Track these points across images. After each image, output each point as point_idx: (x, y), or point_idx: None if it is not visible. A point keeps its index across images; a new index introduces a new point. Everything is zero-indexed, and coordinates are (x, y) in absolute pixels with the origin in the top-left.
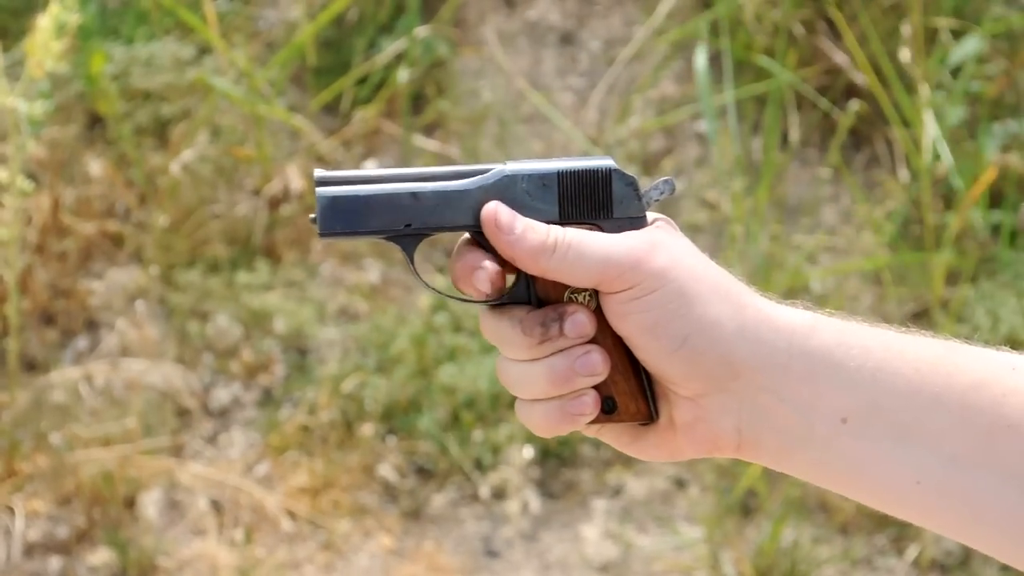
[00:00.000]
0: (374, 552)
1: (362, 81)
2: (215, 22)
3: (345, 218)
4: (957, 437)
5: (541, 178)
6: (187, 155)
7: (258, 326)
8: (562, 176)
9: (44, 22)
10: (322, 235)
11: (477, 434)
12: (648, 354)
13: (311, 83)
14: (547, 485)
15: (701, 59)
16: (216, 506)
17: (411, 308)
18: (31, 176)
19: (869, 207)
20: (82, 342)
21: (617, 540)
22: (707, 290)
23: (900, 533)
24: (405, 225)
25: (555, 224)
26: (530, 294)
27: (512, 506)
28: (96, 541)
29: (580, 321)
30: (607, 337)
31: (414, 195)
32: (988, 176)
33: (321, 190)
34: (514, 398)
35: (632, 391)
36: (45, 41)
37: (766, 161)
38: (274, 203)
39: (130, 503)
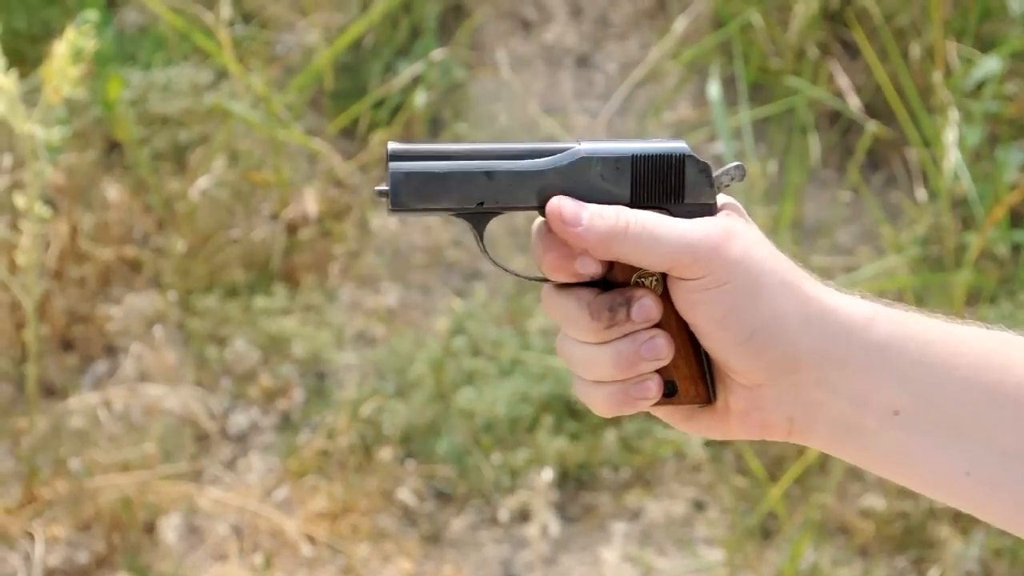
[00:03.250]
0: None
1: (379, 105)
2: (231, 47)
3: (418, 194)
4: (1010, 431)
5: (615, 161)
6: (205, 180)
7: (276, 351)
8: (636, 159)
9: (61, 48)
10: (392, 210)
11: (496, 458)
12: (713, 343)
13: (328, 107)
14: (566, 508)
15: (714, 88)
16: (236, 531)
17: (429, 332)
18: (49, 202)
19: (890, 228)
20: (101, 367)
21: (637, 563)
22: (776, 283)
23: (920, 555)
24: (478, 203)
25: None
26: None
27: (531, 530)
28: (116, 567)
29: (647, 306)
30: (672, 322)
31: (488, 174)
32: (1011, 198)
33: (395, 164)
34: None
35: (693, 375)
36: (62, 67)
37: (789, 181)
38: (292, 228)
39: (150, 528)
